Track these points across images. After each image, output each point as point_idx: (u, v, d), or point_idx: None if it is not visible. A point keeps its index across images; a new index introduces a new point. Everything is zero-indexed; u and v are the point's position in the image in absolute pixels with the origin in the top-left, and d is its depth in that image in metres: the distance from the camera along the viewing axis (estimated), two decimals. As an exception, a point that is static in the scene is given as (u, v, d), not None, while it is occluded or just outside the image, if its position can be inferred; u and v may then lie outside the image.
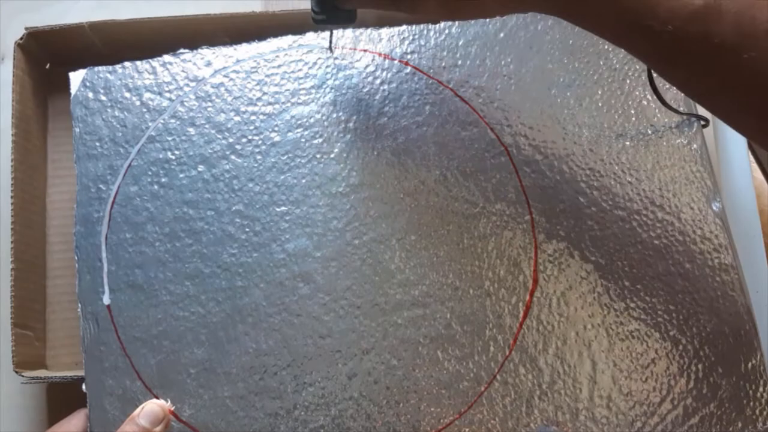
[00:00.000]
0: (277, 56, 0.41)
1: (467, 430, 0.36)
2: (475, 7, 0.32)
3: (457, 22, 0.42)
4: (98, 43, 0.44)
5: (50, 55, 0.46)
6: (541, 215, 0.39)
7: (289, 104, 0.41)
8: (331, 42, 0.40)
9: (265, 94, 0.41)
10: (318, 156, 0.40)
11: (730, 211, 0.43)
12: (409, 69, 0.41)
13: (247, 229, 0.39)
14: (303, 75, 0.41)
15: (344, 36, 0.42)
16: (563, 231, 0.39)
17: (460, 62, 0.42)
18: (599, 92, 0.41)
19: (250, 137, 0.40)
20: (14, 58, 0.42)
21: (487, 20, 0.42)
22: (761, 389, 0.36)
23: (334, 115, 0.41)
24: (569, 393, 0.36)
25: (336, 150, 0.40)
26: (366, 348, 0.37)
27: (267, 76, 0.41)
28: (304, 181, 0.39)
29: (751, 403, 0.36)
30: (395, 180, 0.40)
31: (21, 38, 0.43)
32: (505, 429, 0.36)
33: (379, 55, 0.42)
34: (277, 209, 0.39)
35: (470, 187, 0.40)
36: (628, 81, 0.41)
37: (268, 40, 0.41)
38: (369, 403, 0.36)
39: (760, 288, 0.43)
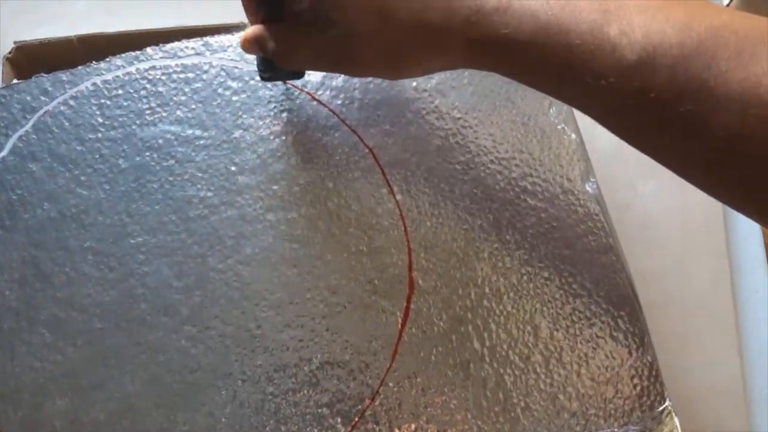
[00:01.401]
0: (117, 76, 0.40)
1: (354, 449, 0.36)
2: (416, 68, 0.34)
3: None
4: (87, 56, 0.44)
5: (39, 69, 0.46)
6: (413, 216, 0.39)
7: (134, 127, 0.40)
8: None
9: (108, 118, 0.40)
10: (171, 179, 0.39)
11: (729, 211, 0.43)
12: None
13: (102, 266, 0.38)
14: (147, 94, 0.40)
15: (190, 47, 0.41)
16: (436, 229, 0.39)
17: (314, 63, 0.41)
18: (464, 81, 0.41)
19: (95, 166, 0.39)
20: (2, 72, 0.44)
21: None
22: (646, 370, 0.37)
23: (185, 134, 0.40)
24: (454, 397, 0.36)
25: (190, 171, 0.39)
26: (239, 378, 0.37)
27: (108, 98, 0.40)
28: (157, 207, 0.39)
29: (640, 389, 0.36)
30: (257, 196, 0.39)
31: (9, 52, 0.44)
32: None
33: (228, 63, 0.41)
34: (132, 241, 0.38)
35: (338, 194, 0.39)
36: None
37: (107, 59, 0.40)
38: (247, 435, 0.36)
39: (760, 288, 0.44)
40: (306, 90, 0.41)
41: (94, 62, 0.41)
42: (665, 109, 0.27)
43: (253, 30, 0.35)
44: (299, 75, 0.39)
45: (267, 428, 0.36)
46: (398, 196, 0.39)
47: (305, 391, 0.36)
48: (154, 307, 0.37)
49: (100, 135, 0.40)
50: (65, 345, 0.37)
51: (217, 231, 0.38)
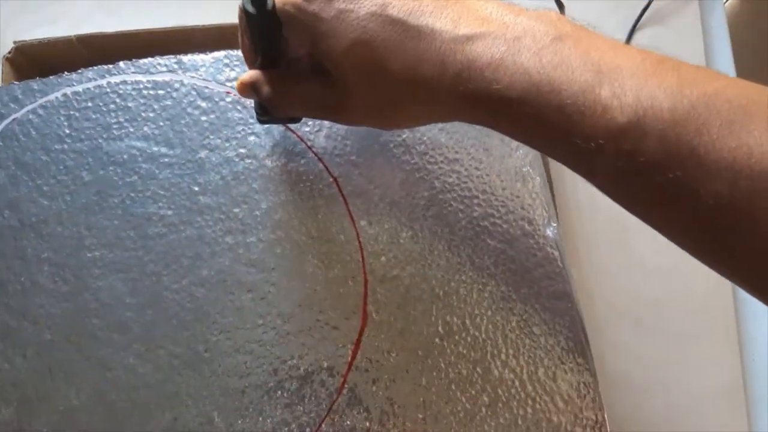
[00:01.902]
0: (87, 88, 0.41)
1: (294, 479, 0.36)
2: (408, 120, 0.34)
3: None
4: (87, 56, 0.46)
5: (39, 69, 0.47)
6: (372, 248, 0.39)
7: (101, 140, 0.40)
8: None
9: (75, 130, 0.40)
10: (132, 195, 0.40)
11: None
12: (231, 97, 0.41)
13: (56, 278, 0.38)
14: (116, 108, 0.41)
15: (162, 64, 0.42)
16: (395, 264, 0.39)
17: (284, 88, 0.41)
18: (433, 115, 0.41)
19: (59, 177, 0.40)
20: (2, 72, 0.44)
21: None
22: (584, 384, 0.37)
23: (150, 150, 0.40)
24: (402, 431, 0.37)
25: (152, 188, 0.40)
26: (185, 400, 0.37)
27: (78, 110, 0.41)
28: (117, 222, 0.39)
29: (577, 396, 0.37)
30: (217, 218, 0.39)
31: (9, 52, 0.45)
32: (333, 477, 0.36)
33: (200, 83, 0.41)
34: (89, 254, 0.39)
35: (299, 221, 0.40)
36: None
37: (80, 71, 0.41)
38: (188, 458, 0.36)
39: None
40: (275, 115, 0.41)
41: (66, 72, 0.41)
42: (654, 174, 0.26)
43: (249, 74, 0.36)
44: (296, 119, 0.40)
45: (208, 452, 0.36)
46: (359, 227, 0.40)
47: (251, 418, 0.37)
48: (106, 323, 0.38)
49: (66, 146, 0.40)
50: (14, 354, 0.37)
51: (174, 250, 0.39)
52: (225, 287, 0.39)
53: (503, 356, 0.38)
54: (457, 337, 0.38)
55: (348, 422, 0.37)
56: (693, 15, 0.55)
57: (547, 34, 0.29)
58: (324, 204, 0.40)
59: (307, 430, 0.37)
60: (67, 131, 0.40)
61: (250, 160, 0.41)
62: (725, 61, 0.55)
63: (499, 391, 0.38)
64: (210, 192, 0.40)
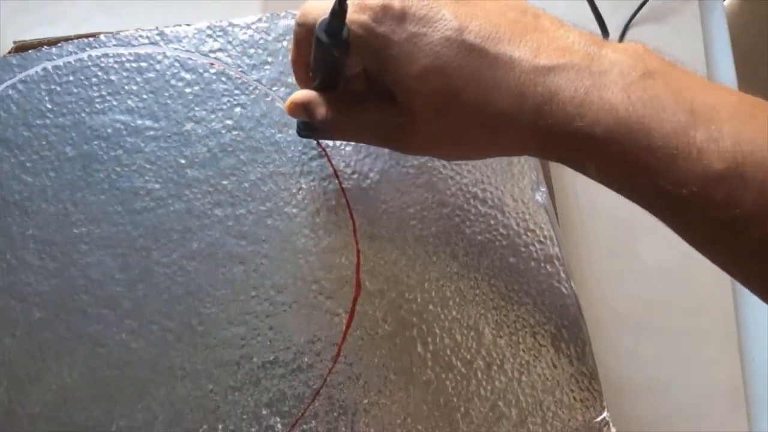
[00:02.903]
0: (69, 62, 0.41)
1: (292, 450, 0.37)
2: (475, 152, 0.33)
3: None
4: None
5: None
6: (363, 218, 0.40)
7: (84, 114, 0.40)
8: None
9: (57, 104, 0.40)
10: (118, 169, 0.39)
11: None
12: (215, 69, 0.41)
13: (43, 255, 0.38)
14: (98, 81, 0.40)
15: (144, 36, 0.41)
16: (386, 232, 0.40)
17: (270, 59, 0.41)
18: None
19: (42, 153, 0.39)
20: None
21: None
22: (586, 381, 0.38)
23: (134, 124, 0.40)
24: (396, 400, 0.37)
25: (138, 161, 0.40)
26: (180, 374, 0.37)
27: (59, 84, 0.40)
28: (103, 197, 0.39)
29: (579, 400, 0.38)
30: (206, 190, 0.39)
31: (9, 52, 0.43)
32: (331, 446, 0.37)
33: (183, 55, 0.41)
34: (75, 230, 0.38)
35: (288, 191, 0.40)
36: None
37: (59, 45, 0.40)
38: (185, 432, 0.36)
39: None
40: (261, 85, 0.41)
41: (45, 47, 0.41)
42: (750, 228, 0.24)
43: (303, 95, 0.34)
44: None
45: (205, 426, 0.36)
46: (349, 197, 0.40)
47: (246, 390, 0.37)
48: (96, 299, 0.38)
49: (48, 121, 0.40)
50: (3, 334, 0.37)
51: (163, 224, 0.39)
52: (216, 260, 0.39)
53: (497, 320, 0.39)
54: (451, 303, 0.39)
55: (344, 391, 0.37)
56: (693, 15, 0.54)
57: (636, 69, 0.27)
58: (314, 174, 0.40)
59: (303, 402, 0.37)
60: (49, 106, 0.40)
61: (236, 132, 0.40)
62: (725, 61, 0.55)
63: (494, 355, 0.39)
64: (197, 165, 0.40)
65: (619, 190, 0.28)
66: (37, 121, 0.40)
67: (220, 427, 0.36)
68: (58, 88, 0.40)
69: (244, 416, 0.37)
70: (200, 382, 0.37)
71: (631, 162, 0.26)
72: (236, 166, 0.40)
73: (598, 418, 0.38)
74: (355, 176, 0.40)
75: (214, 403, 0.37)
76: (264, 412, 0.37)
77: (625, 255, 0.48)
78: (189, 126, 0.40)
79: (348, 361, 0.38)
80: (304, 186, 0.40)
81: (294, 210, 0.40)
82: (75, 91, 0.40)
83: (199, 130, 0.40)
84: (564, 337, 0.39)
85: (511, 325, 0.39)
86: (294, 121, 0.39)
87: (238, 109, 0.41)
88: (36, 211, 0.39)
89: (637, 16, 0.53)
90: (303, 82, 0.35)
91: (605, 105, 0.26)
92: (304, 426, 0.37)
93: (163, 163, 0.40)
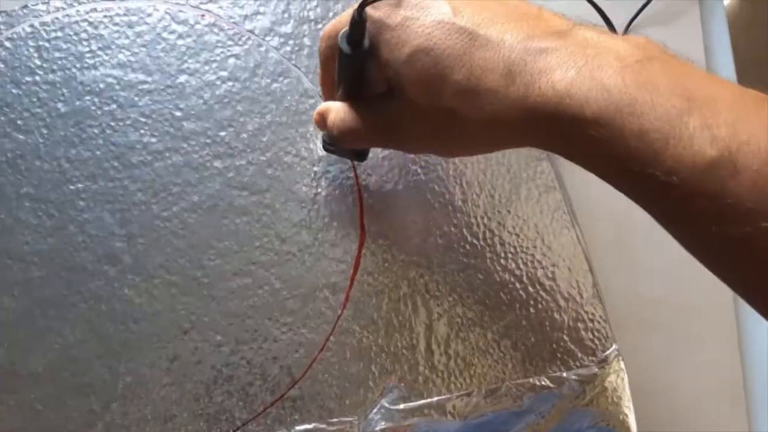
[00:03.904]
0: (56, 18, 0.40)
1: (305, 398, 0.37)
2: (464, 140, 0.31)
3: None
4: None
5: None
6: (365, 163, 0.40)
7: (74, 70, 0.39)
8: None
9: (46, 61, 0.39)
10: (112, 124, 0.39)
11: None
12: (207, 20, 0.41)
13: (40, 213, 0.37)
14: (88, 36, 0.40)
15: (131, -10, 0.41)
16: (388, 178, 0.40)
17: (262, 9, 0.41)
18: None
19: (33, 110, 0.39)
20: None
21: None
22: (594, 315, 0.38)
23: (127, 78, 0.40)
24: (406, 345, 0.37)
25: (133, 115, 0.39)
26: (186, 327, 0.37)
27: (47, 40, 0.40)
28: (99, 153, 0.38)
29: (588, 334, 0.38)
30: (203, 143, 0.39)
31: None
32: (345, 391, 0.37)
33: (173, 7, 0.41)
34: (71, 187, 0.38)
35: (287, 140, 0.40)
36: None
37: (45, 1, 0.40)
38: (194, 386, 0.36)
39: None
40: (254, 36, 0.41)
41: (31, 3, 0.40)
42: (742, 221, 0.23)
43: (323, 105, 0.35)
44: (362, 156, 0.38)
45: (214, 379, 0.36)
46: (349, 144, 0.40)
47: (256, 340, 0.37)
48: (96, 256, 0.37)
49: (38, 78, 0.39)
50: (1, 295, 0.36)
51: (161, 177, 0.39)
52: (218, 212, 0.38)
53: (502, 261, 0.39)
54: (455, 246, 0.39)
55: (355, 336, 0.37)
56: (693, 15, 0.55)
57: (633, 55, 0.26)
58: (311, 121, 0.40)
59: (313, 351, 0.37)
60: (38, 63, 0.39)
61: (231, 83, 0.40)
62: (725, 61, 0.55)
63: (501, 295, 0.39)
64: (193, 117, 0.40)
65: (607, 177, 0.27)
66: (27, 78, 0.39)
67: (230, 379, 0.36)
68: (47, 45, 0.40)
69: (255, 367, 0.36)
70: (208, 334, 0.37)
71: (620, 147, 0.25)
72: (233, 117, 0.40)
73: (608, 351, 0.39)
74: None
75: (223, 355, 0.36)
76: (274, 362, 0.37)
77: (625, 255, 0.48)
78: (183, 78, 0.40)
79: (357, 305, 0.38)
80: (303, 135, 0.40)
81: (294, 159, 0.40)
82: (64, 47, 0.40)
83: (194, 82, 0.40)
84: (570, 274, 0.39)
85: (516, 262, 0.39)
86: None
87: (231, 60, 0.40)
88: (30, 170, 0.38)
89: (638, 17, 0.54)
90: (330, 97, 0.36)
91: (597, 85, 0.25)
92: (316, 374, 0.37)
93: (158, 117, 0.39)
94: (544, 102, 0.26)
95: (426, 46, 0.29)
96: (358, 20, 0.29)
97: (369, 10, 0.30)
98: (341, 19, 0.32)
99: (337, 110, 0.34)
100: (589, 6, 0.36)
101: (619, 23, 0.55)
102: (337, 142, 0.36)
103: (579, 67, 0.26)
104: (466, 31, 0.28)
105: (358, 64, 0.31)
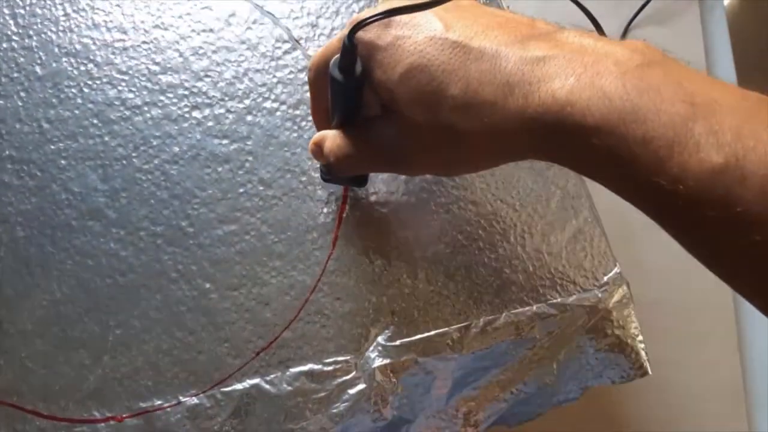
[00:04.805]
0: (29, -15, 0.41)
1: (299, 340, 0.36)
2: (466, 157, 0.30)
3: None
4: None
5: None
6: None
7: (50, 33, 0.40)
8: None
9: (22, 27, 0.40)
10: (89, 83, 0.39)
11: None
12: (178, -25, 0.41)
13: (22, 174, 0.38)
14: (62, 0, 0.40)
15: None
16: (370, 116, 0.39)
17: (232, -43, 0.42)
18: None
19: (11, 75, 0.39)
20: None
21: None
22: (592, 238, 0.37)
23: (102, 37, 0.40)
24: (400, 280, 0.37)
25: (110, 73, 0.39)
26: (174, 277, 0.36)
27: (22, 7, 0.40)
28: (77, 112, 0.39)
29: (587, 258, 0.37)
30: (181, 94, 0.39)
31: None
32: (339, 331, 0.36)
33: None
34: (52, 147, 0.38)
35: (266, 86, 0.40)
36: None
37: (18, -31, 0.41)
38: (185, 334, 0.36)
39: None
40: (227, -14, 0.41)
41: (4, -26, 0.41)
42: (752, 230, 0.22)
43: (318, 134, 0.34)
44: (362, 182, 0.38)
45: (205, 326, 0.36)
46: (329, 87, 0.40)
47: (246, 286, 0.36)
48: (80, 212, 0.37)
49: (14, 44, 0.40)
50: (-13, 257, 0.36)
51: (141, 132, 0.39)
52: (199, 162, 0.38)
53: (494, 190, 0.38)
54: (445, 179, 0.38)
55: (347, 275, 0.37)
56: (693, 15, 0.55)
57: (633, 60, 0.25)
58: (290, 67, 0.40)
59: (305, 293, 0.37)
60: (14, 29, 0.40)
61: (206, 34, 0.40)
62: (725, 61, 0.55)
63: (495, 224, 0.38)
64: (170, 70, 0.40)
65: (611, 185, 0.26)
66: (3, 45, 0.40)
67: (221, 326, 0.35)
68: (22, 11, 0.40)
69: (246, 312, 0.36)
70: (196, 282, 0.36)
71: (623, 155, 0.24)
72: (209, 68, 0.40)
73: (611, 273, 0.38)
74: (332, 65, 0.40)
75: (213, 302, 0.36)
76: (265, 306, 0.36)
77: (625, 255, 0.47)
78: (157, 34, 0.40)
79: (346, 246, 0.37)
80: (281, 80, 0.40)
81: (274, 104, 0.39)
82: (39, 12, 0.40)
83: (168, 36, 0.40)
84: (568, 195, 0.38)
85: (511, 192, 0.38)
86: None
87: (205, 11, 0.41)
88: (10, 133, 0.38)
89: (638, 17, 0.54)
90: (323, 126, 0.35)
91: (597, 92, 0.24)
92: (309, 315, 0.36)
93: (135, 72, 0.39)
94: (544, 111, 0.25)
95: (420, 63, 0.28)
96: (350, 46, 0.29)
97: (359, 33, 0.29)
98: (329, 47, 0.32)
99: (333, 137, 0.33)
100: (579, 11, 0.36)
101: (619, 23, 0.54)
102: (335, 170, 0.35)
103: (578, 74, 0.25)
104: (460, 44, 0.28)
105: (351, 92, 0.31)
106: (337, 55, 0.30)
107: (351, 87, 0.30)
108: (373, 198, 0.37)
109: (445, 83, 0.28)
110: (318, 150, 0.34)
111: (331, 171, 0.36)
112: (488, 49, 0.27)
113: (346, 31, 0.28)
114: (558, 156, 0.27)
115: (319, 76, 0.32)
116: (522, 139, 0.27)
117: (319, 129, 0.36)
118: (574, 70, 0.25)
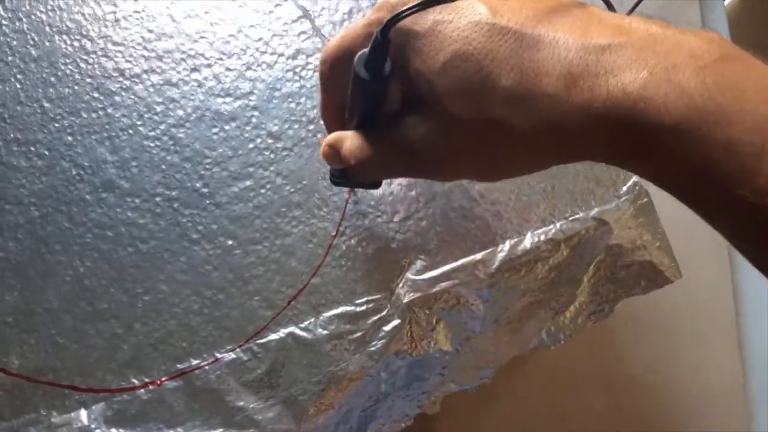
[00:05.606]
0: (13, -31, 0.40)
1: (329, 284, 0.36)
2: (514, 158, 0.27)
3: None
4: None
5: None
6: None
7: (40, 14, 0.40)
8: None
9: (11, 11, 0.40)
10: (85, 57, 0.39)
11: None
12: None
13: (30, 155, 0.37)
14: (48, -20, 0.40)
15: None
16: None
17: None
18: None
19: (6, 60, 0.39)
20: None
21: None
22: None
23: (93, 13, 0.40)
24: (423, 215, 0.37)
25: (103, 45, 0.39)
26: (195, 238, 0.36)
27: (9, -8, 0.40)
28: (77, 87, 0.38)
29: (604, 169, 0.37)
30: (179, 58, 0.39)
31: None
32: (367, 271, 0.36)
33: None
34: (56, 125, 0.38)
35: (263, 41, 0.40)
36: None
37: (-1, -45, 0.40)
38: (214, 292, 0.35)
39: (761, 288, 0.46)
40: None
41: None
42: None
43: (335, 135, 0.31)
44: (376, 185, 0.35)
45: (233, 282, 0.35)
46: (331, 36, 0.40)
47: (268, 239, 0.36)
48: (93, 186, 0.37)
49: (5, 29, 0.39)
50: (5, 240, 0.36)
51: (143, 100, 0.38)
52: (205, 122, 0.38)
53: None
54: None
55: (368, 217, 0.37)
56: (693, 15, 0.54)
57: (710, 52, 0.22)
58: (283, 19, 0.40)
59: (328, 236, 0.37)
60: (2, 14, 0.40)
61: None
62: None
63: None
64: (164, 35, 0.39)
65: (681, 195, 0.23)
66: (-5, 31, 0.39)
67: (249, 280, 0.35)
68: (11, -4, 0.40)
69: (271, 263, 0.36)
70: (218, 240, 0.36)
71: (702, 161, 0.21)
72: (203, 29, 0.40)
73: (629, 183, 0.38)
74: (325, 10, 0.40)
75: (237, 257, 0.36)
76: (289, 255, 0.36)
77: None
78: (148, 1, 0.40)
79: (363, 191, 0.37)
80: (279, 32, 0.40)
81: (272, 57, 0.39)
82: (27, -5, 0.40)
83: (159, 2, 0.40)
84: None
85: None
86: None
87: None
88: (12, 116, 0.38)
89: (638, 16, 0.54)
90: (336, 125, 0.32)
91: (675, 88, 0.21)
92: (334, 260, 0.36)
93: (130, 42, 0.39)
94: (612, 107, 0.22)
95: (464, 51, 0.25)
96: (382, 41, 0.25)
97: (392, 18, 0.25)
98: (347, 37, 0.28)
99: (352, 138, 0.29)
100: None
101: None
102: (355, 175, 0.31)
103: (651, 66, 0.22)
104: (510, 30, 0.24)
105: (379, 90, 0.27)
106: (363, 51, 0.26)
107: (379, 85, 0.27)
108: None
109: (494, 73, 0.24)
110: (334, 153, 0.30)
111: (348, 175, 0.32)
112: (544, 36, 0.24)
113: (368, 20, 0.25)
114: (623, 158, 0.24)
115: (334, 71, 0.29)
116: (584, 138, 0.24)
117: (330, 129, 0.33)
118: (647, 61, 0.22)
